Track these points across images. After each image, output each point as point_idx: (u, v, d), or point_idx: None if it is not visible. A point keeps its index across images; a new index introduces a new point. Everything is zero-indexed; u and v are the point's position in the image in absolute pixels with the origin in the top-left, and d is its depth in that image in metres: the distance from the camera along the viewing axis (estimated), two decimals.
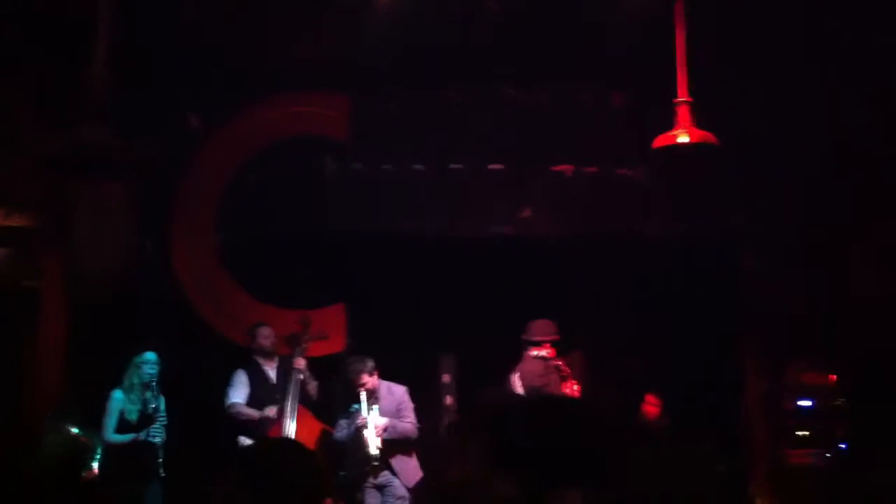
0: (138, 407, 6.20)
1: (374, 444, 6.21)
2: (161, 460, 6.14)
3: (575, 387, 6.62)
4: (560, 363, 6.62)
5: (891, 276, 6.92)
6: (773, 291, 7.44)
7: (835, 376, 6.67)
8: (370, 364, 6.40)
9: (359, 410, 6.32)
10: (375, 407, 6.33)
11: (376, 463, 6.19)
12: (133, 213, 7.33)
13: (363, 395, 6.29)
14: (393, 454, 6.33)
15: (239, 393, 6.54)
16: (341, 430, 6.45)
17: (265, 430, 6.33)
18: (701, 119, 5.27)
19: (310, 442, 6.26)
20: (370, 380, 6.37)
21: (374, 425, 6.24)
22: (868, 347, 6.56)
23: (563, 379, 6.56)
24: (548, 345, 6.65)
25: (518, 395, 6.35)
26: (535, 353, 6.62)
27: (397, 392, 6.50)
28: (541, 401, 2.02)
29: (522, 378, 6.58)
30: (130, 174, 6.43)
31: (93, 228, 7.12)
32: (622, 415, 6.69)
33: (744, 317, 7.59)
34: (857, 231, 7.10)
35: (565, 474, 1.17)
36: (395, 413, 6.40)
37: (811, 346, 7.08)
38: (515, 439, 1.23)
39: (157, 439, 6.17)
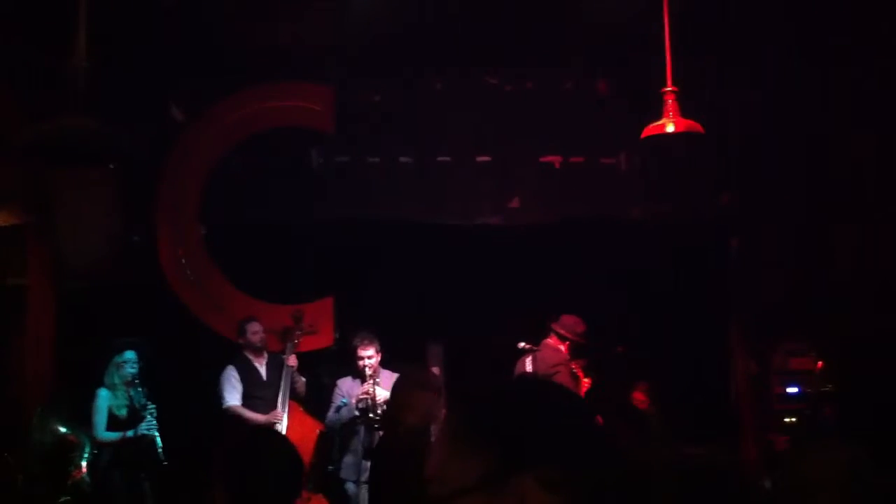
0: (126, 403, 6.19)
1: (377, 408, 6.23)
2: (161, 450, 6.12)
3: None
4: (575, 366, 6.62)
5: (876, 261, 6.94)
6: (760, 275, 7.46)
7: (822, 363, 6.69)
8: (377, 343, 6.44)
9: (347, 405, 6.35)
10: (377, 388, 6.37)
11: (379, 421, 6.20)
12: (116, 202, 7.30)
13: (367, 371, 6.32)
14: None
15: (233, 394, 6.50)
16: (336, 413, 6.45)
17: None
18: (687, 105, 5.26)
19: (301, 437, 6.25)
20: (376, 357, 6.40)
21: (377, 395, 6.28)
22: (854, 332, 6.59)
23: (575, 379, 6.54)
24: (567, 343, 6.64)
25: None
26: (553, 343, 6.63)
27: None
28: (504, 382, 1.99)
29: (534, 363, 6.59)
30: (112, 162, 6.38)
31: (75, 218, 7.09)
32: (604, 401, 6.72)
33: (731, 301, 7.61)
34: (843, 214, 7.11)
35: (525, 457, 1.15)
36: None
37: (798, 331, 7.11)
38: (476, 421, 1.21)
39: (153, 431, 6.15)
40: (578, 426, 1.21)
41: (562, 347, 6.62)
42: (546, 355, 6.57)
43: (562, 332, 6.64)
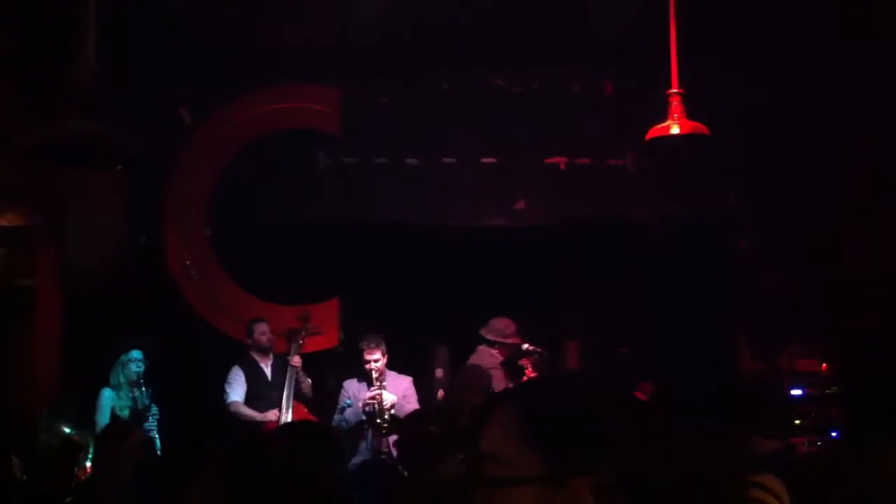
0: (129, 404, 6.21)
1: (385, 413, 6.25)
2: (159, 454, 6.14)
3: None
4: (526, 362, 6.57)
5: (883, 259, 6.91)
6: (765, 276, 7.43)
7: (827, 364, 6.66)
8: (383, 345, 6.44)
9: (352, 406, 6.36)
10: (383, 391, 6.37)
11: (386, 426, 6.20)
12: (122, 204, 7.32)
13: (373, 375, 6.33)
14: (395, 442, 6.33)
15: (237, 391, 6.53)
16: (341, 414, 6.45)
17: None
18: (692, 106, 5.25)
19: None
20: (382, 360, 6.41)
21: (384, 398, 6.30)
22: (861, 331, 6.55)
23: (516, 378, 6.47)
24: (498, 347, 6.58)
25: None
26: (485, 349, 6.59)
27: (403, 382, 6.57)
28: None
29: (469, 368, 6.54)
30: (118, 165, 6.40)
31: (81, 220, 7.11)
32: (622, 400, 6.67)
33: (737, 301, 7.59)
34: (850, 213, 7.09)
35: (586, 458, 1.16)
36: (400, 401, 6.43)
37: (804, 331, 7.08)
38: (547, 414, 1.21)
39: (152, 433, 6.16)
40: (638, 436, 1.22)
41: (494, 352, 6.56)
42: (475, 359, 6.51)
43: (490, 337, 6.59)
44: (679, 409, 6.91)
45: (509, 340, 6.57)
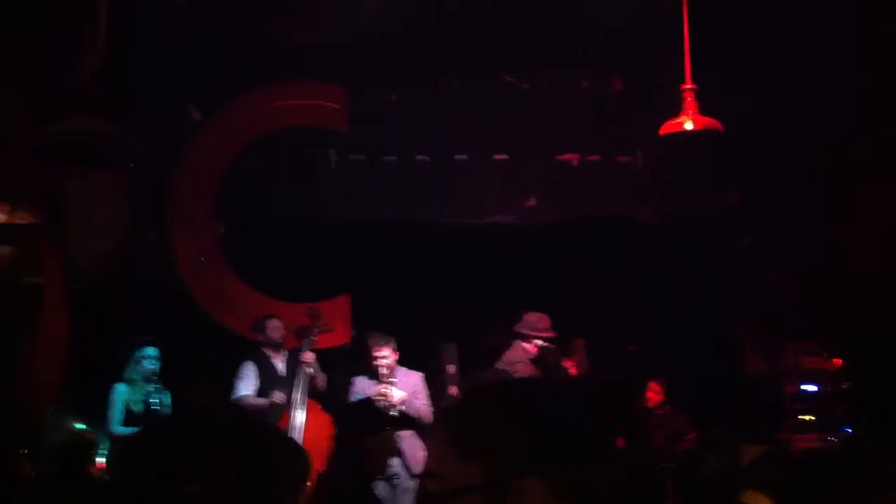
0: (142, 398, 6.19)
1: (393, 410, 6.24)
2: None
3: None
4: (570, 363, 6.58)
5: (886, 257, 6.94)
6: (769, 275, 7.47)
7: (839, 360, 6.69)
8: (392, 343, 6.42)
9: (364, 399, 6.36)
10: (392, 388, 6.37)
11: (396, 417, 6.19)
12: (125, 202, 7.30)
13: (382, 371, 6.31)
14: (404, 438, 6.32)
15: (247, 385, 6.51)
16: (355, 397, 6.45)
17: (275, 419, 6.30)
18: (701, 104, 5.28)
19: (320, 435, 6.26)
20: (391, 357, 6.39)
21: (393, 395, 6.29)
22: (866, 329, 6.59)
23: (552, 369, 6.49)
24: (531, 342, 6.57)
25: (495, 378, 6.31)
26: (520, 343, 6.61)
27: (413, 377, 6.54)
28: (510, 383, 1.95)
29: (499, 363, 6.58)
30: (120, 162, 6.39)
31: (84, 218, 7.09)
32: (610, 400, 6.70)
33: (741, 299, 7.62)
34: (852, 211, 7.12)
35: (528, 460, 1.15)
36: (409, 397, 6.43)
37: (809, 329, 7.11)
38: (479, 422, 1.21)
39: None
40: (581, 430, 1.20)
41: (528, 346, 6.57)
42: (509, 354, 6.54)
43: (524, 331, 6.60)
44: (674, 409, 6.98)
45: (542, 335, 6.56)
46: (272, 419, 6.34)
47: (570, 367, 6.81)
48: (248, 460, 2.08)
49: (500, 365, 6.52)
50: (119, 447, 5.90)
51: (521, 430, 1.17)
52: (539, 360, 6.45)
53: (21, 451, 5.91)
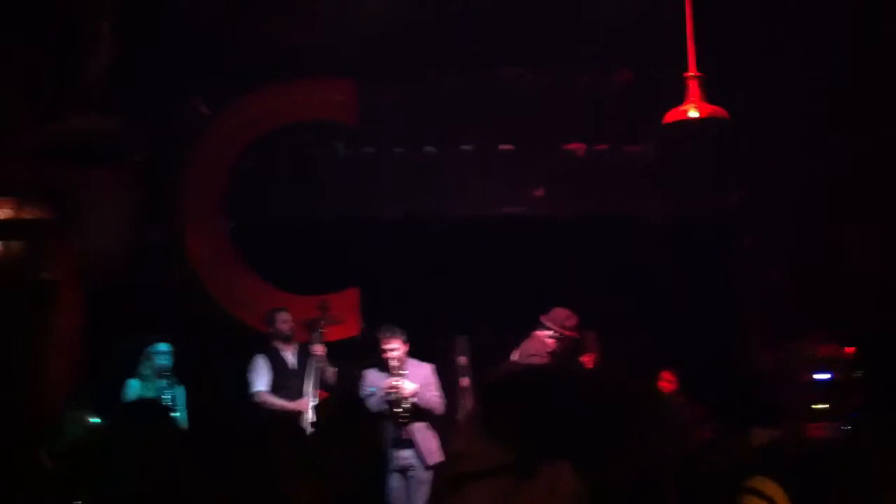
0: (155, 394, 6.24)
1: (405, 403, 6.26)
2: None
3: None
4: (587, 359, 6.57)
5: (885, 257, 6.89)
6: (769, 273, 7.44)
7: (852, 349, 6.65)
8: (401, 334, 6.44)
9: (375, 394, 6.37)
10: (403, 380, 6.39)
11: (406, 415, 6.22)
12: (131, 200, 7.34)
13: (392, 364, 6.33)
14: (417, 430, 6.35)
15: (262, 379, 6.54)
16: (368, 394, 6.47)
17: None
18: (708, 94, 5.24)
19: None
20: (401, 349, 6.40)
21: (405, 387, 6.30)
22: (865, 328, 6.57)
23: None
24: (554, 336, 6.57)
25: (519, 366, 6.31)
26: (540, 335, 6.60)
27: (424, 369, 6.54)
28: (536, 370, 1.97)
29: (517, 353, 6.57)
30: (124, 161, 6.42)
31: (90, 216, 7.14)
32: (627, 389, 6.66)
33: (741, 299, 7.59)
34: (852, 211, 7.07)
35: (556, 446, 1.16)
36: (420, 389, 6.44)
37: (808, 328, 7.08)
38: (507, 408, 1.22)
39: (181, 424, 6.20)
40: (606, 416, 1.22)
41: (548, 339, 6.55)
42: (527, 345, 6.53)
43: (548, 323, 6.57)
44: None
45: (567, 333, 6.54)
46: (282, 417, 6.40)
47: (588, 362, 6.80)
48: (253, 460, 2.10)
49: (516, 356, 6.52)
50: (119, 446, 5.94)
51: (552, 415, 1.18)
52: (557, 354, 6.44)
53: (40, 446, 5.98)
